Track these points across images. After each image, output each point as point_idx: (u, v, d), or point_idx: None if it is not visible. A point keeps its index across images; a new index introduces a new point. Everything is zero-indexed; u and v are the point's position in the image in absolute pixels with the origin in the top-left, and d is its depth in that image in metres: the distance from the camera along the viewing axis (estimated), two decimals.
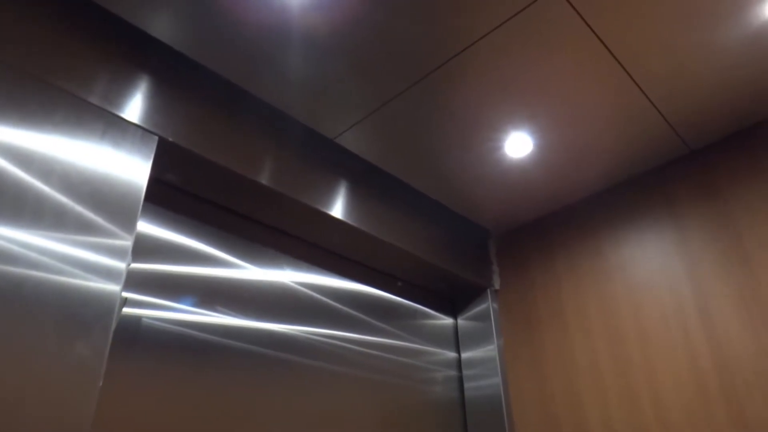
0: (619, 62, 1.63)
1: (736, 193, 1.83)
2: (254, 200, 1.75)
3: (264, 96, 1.76)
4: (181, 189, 1.68)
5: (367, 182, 2.04)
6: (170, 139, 1.48)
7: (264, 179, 1.67)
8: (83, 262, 1.19)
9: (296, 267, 1.91)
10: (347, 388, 1.88)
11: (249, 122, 1.71)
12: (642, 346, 1.88)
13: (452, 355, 2.35)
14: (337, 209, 1.88)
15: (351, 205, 1.93)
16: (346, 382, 1.88)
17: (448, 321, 2.42)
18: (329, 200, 1.86)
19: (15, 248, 1.11)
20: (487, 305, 2.34)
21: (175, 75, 1.58)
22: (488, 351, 2.27)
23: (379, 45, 1.57)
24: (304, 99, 1.76)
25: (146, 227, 1.55)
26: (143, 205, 1.55)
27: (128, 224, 1.30)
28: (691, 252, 1.87)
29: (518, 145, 1.95)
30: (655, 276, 1.93)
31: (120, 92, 1.43)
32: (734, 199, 1.82)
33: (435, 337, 2.31)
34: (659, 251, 1.95)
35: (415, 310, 2.29)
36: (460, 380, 2.31)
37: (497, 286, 2.40)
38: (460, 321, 2.44)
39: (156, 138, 1.46)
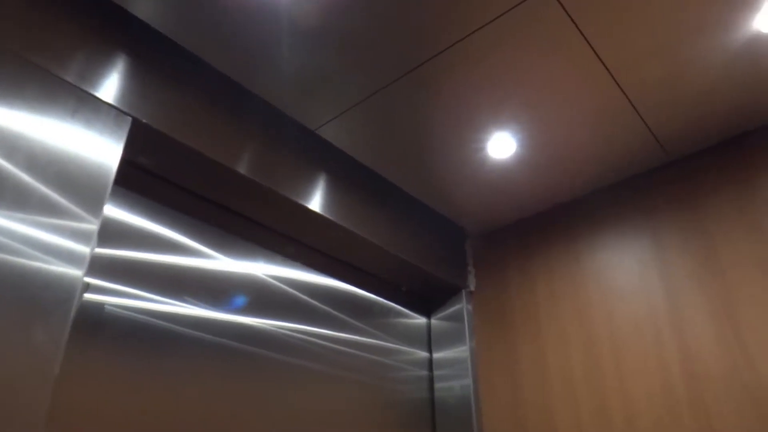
0: (606, 68, 1.62)
1: (713, 205, 1.84)
2: (230, 189, 1.71)
3: (246, 83, 1.71)
4: (154, 174, 1.62)
5: (348, 177, 2.01)
6: (145, 121, 1.43)
7: (242, 168, 1.63)
8: (45, 244, 1.14)
9: (270, 260, 1.87)
10: (317, 385, 1.85)
11: (229, 109, 1.66)
12: (614, 354, 1.88)
13: (424, 354, 2.33)
14: (316, 203, 1.84)
15: (330, 200, 1.90)
16: (316, 379, 1.85)
17: (421, 320, 2.40)
18: (308, 193, 1.83)
19: None
20: (461, 306, 2.33)
21: (156, 57, 1.53)
22: (460, 352, 2.25)
23: (366, 37, 1.54)
24: (287, 88, 1.72)
25: (114, 211, 1.49)
26: (113, 189, 1.50)
27: (95, 207, 1.25)
28: (667, 262, 1.88)
29: (501, 145, 1.93)
30: (630, 284, 1.94)
31: (96, 71, 1.37)
32: (712, 212, 1.83)
33: (408, 336, 2.29)
34: (636, 260, 1.96)
35: (389, 309, 2.27)
36: (431, 380, 2.30)
37: (472, 287, 2.39)
38: (433, 321, 2.42)
39: (130, 119, 1.41)
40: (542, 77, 1.65)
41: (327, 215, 1.87)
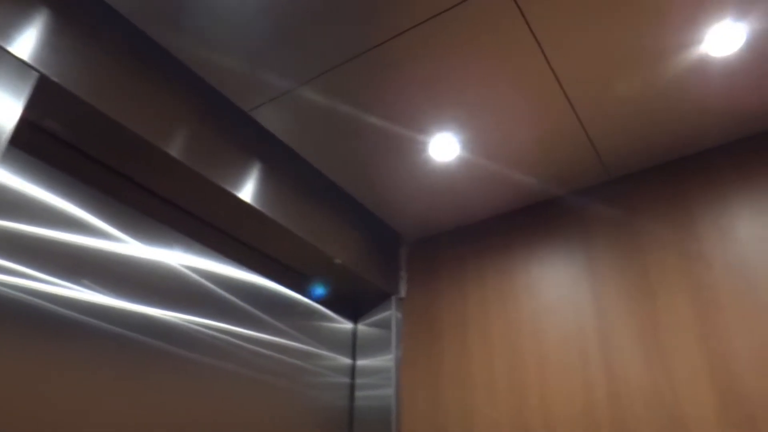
0: (558, 79, 1.59)
1: (649, 228, 1.85)
2: (149, 166, 1.55)
3: (177, 53, 1.56)
4: (62, 140, 1.45)
5: (282, 167, 1.89)
6: (54, 79, 1.26)
7: (165, 145, 1.48)
8: None
9: (188, 248, 1.72)
10: (227, 386, 1.71)
11: (157, 79, 1.51)
12: (539, 370, 1.85)
13: (347, 361, 2.23)
14: (247, 192, 1.72)
15: (262, 189, 1.78)
16: (227, 380, 1.71)
17: (347, 325, 2.30)
18: (238, 180, 1.70)
19: None
20: (390, 313, 2.25)
21: (79, 12, 1.36)
22: (385, 361, 2.17)
23: (310, 19, 1.43)
24: (222, 63, 1.58)
25: (7, 177, 1.31)
26: (8, 150, 1.32)
27: None
28: (599, 281, 1.87)
29: (443, 148, 1.87)
30: (561, 301, 1.92)
31: (5, 17, 1.20)
32: (647, 234, 1.84)
33: (331, 341, 2.19)
34: (568, 277, 1.94)
35: (314, 311, 2.16)
36: (352, 388, 2.20)
37: (403, 293, 2.32)
38: (360, 326, 2.33)
39: (36, 75, 1.24)
40: (491, 80, 1.60)
41: (257, 206, 1.74)
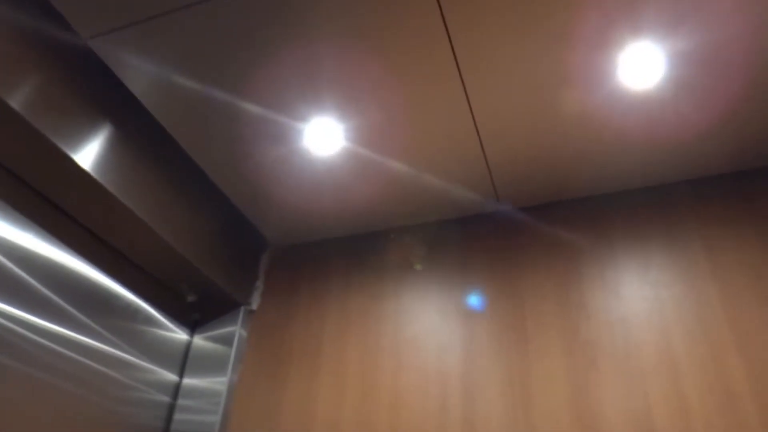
0: (465, 91, 1.42)
1: (530, 269, 1.72)
2: None
3: None
4: None
5: (136, 131, 1.54)
6: None
7: None
8: None
9: None
10: (14, 390, 1.30)
11: None
12: (393, 411, 1.62)
13: (172, 378, 1.86)
14: (86, 156, 1.36)
15: (105, 155, 1.42)
16: (15, 382, 1.30)
17: (180, 336, 1.94)
18: (77, 139, 1.34)
19: None
20: (235, 328, 1.93)
21: None
22: (217, 383, 1.83)
23: None
24: None
25: None
26: None
27: None
28: (471, 319, 1.70)
29: (323, 141, 1.62)
30: (427, 336, 1.72)
31: None
32: (527, 275, 1.71)
33: (157, 351, 1.81)
34: (440, 309, 1.75)
35: (141, 312, 1.78)
36: (171, 409, 1.83)
37: (255, 306, 2.00)
38: (196, 339, 1.97)
39: None
40: (394, 72, 1.40)
41: (95, 175, 1.38)
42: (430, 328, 1.74)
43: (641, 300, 1.55)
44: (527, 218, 1.83)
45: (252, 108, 1.52)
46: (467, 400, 1.57)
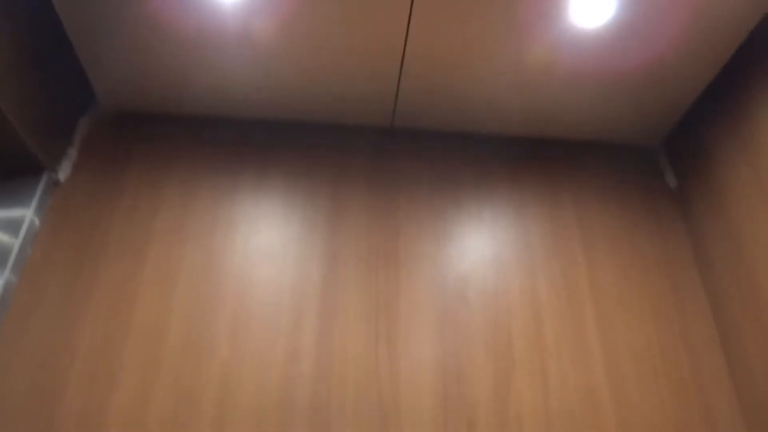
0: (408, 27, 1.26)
1: (409, 195, 1.64)
2: None
3: None
4: None
5: None
6: None
7: None
8: None
9: None
10: None
11: None
12: (232, 327, 1.39)
13: None
14: None
15: None
16: None
17: None
18: None
19: None
20: (31, 204, 1.44)
21: None
22: None
23: None
24: None
25: None
26: None
27: None
28: (339, 236, 1.55)
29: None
30: (287, 247, 1.51)
31: None
32: (405, 203, 1.62)
33: None
34: (306, 221, 1.56)
35: None
36: None
37: (62, 177, 1.54)
38: None
39: None
40: None
41: None
42: (291, 238, 1.53)
43: (514, 242, 1.58)
44: (419, 145, 1.74)
45: None
46: (325, 322, 1.42)
